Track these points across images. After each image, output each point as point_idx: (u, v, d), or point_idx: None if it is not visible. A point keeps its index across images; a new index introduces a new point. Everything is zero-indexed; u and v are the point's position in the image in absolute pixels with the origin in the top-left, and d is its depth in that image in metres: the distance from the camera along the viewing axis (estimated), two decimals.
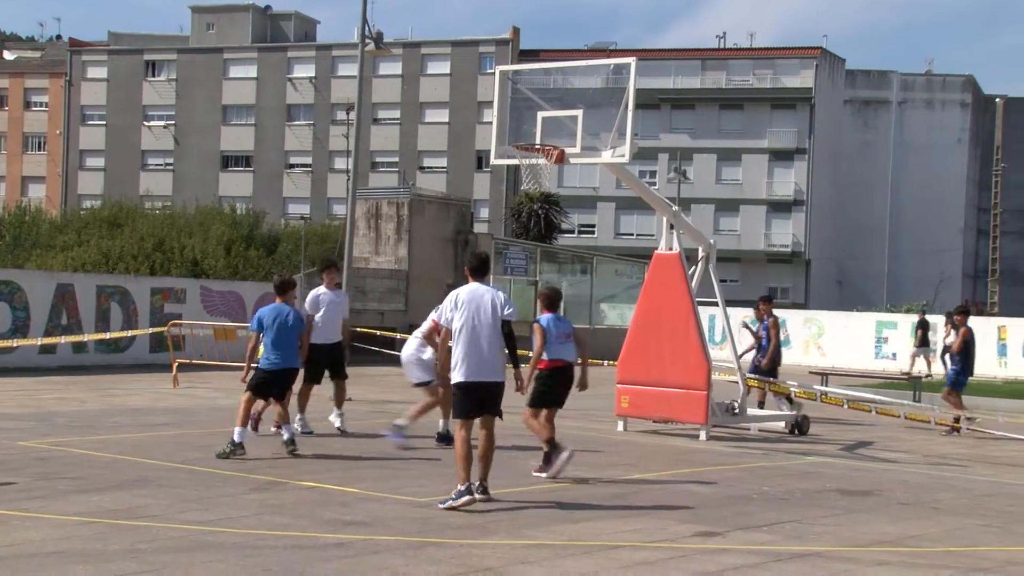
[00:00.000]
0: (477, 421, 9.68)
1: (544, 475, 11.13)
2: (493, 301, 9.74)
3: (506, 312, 9.76)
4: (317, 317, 13.93)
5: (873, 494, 11.13)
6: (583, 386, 11.42)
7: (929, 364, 31.76)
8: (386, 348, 23.47)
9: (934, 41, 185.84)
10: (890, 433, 17.02)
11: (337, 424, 14.23)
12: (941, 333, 33.31)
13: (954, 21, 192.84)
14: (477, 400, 9.63)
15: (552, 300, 11.77)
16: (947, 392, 17.94)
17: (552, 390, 11.37)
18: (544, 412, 11.39)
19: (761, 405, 17.74)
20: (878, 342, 37.92)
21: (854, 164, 79.53)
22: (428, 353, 12.98)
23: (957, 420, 17.08)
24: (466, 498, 9.25)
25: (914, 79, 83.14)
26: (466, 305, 9.71)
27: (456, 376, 9.63)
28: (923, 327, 33.19)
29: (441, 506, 9.23)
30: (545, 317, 11.42)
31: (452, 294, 9.94)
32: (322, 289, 14.27)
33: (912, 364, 32.24)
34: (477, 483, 9.56)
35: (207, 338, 22.17)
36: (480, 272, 10.08)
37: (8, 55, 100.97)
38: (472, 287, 9.88)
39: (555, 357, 11.28)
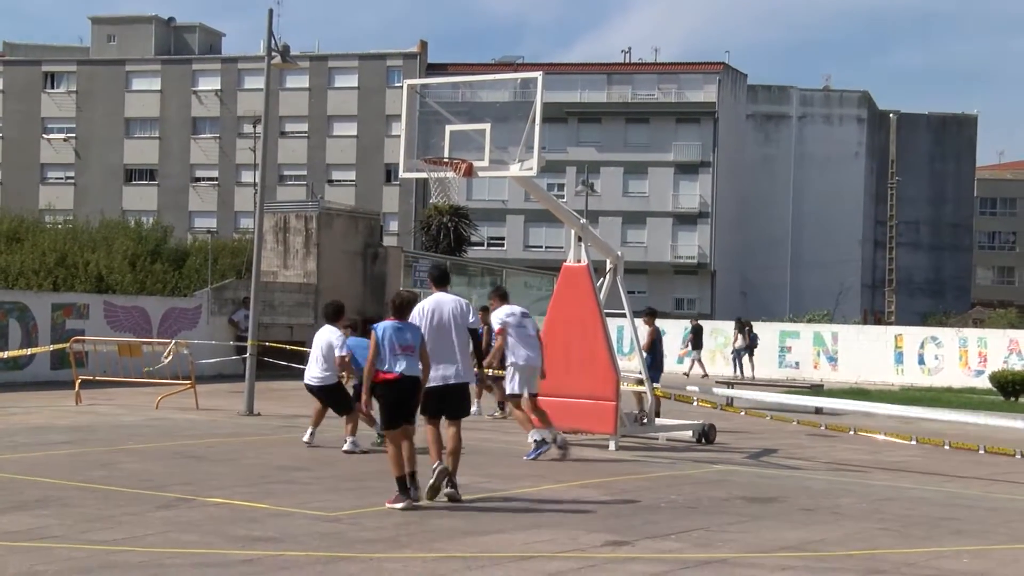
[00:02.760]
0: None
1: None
2: (454, 310, 10.68)
3: (470, 320, 10.76)
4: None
5: (778, 500, 11.30)
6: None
7: (702, 365, 36.01)
8: (294, 363, 23.22)
9: (831, 58, 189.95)
10: (794, 440, 17.30)
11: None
12: (726, 338, 38.45)
13: (850, 39, 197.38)
14: (443, 402, 10.55)
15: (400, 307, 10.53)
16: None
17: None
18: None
19: (657, 414, 17.98)
20: (781, 351, 38.51)
21: (757, 177, 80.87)
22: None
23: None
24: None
25: (813, 94, 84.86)
26: (430, 314, 10.57)
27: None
28: (696, 332, 36.40)
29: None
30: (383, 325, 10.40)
31: (419, 305, 10.68)
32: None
33: (691, 367, 36.08)
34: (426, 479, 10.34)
35: (111, 354, 21.73)
36: (441, 282, 11.05)
37: None
38: (437, 296, 10.83)
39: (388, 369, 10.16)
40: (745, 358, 36.46)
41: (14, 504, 9.74)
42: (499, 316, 14.30)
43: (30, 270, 31.34)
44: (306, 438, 14.27)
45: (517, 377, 14.03)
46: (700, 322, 38.41)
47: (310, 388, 14.25)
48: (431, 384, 10.38)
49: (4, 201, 77.23)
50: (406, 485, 10.03)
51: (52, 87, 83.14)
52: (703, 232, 75.70)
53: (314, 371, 14.07)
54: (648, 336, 19.20)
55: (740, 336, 36.64)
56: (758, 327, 41.38)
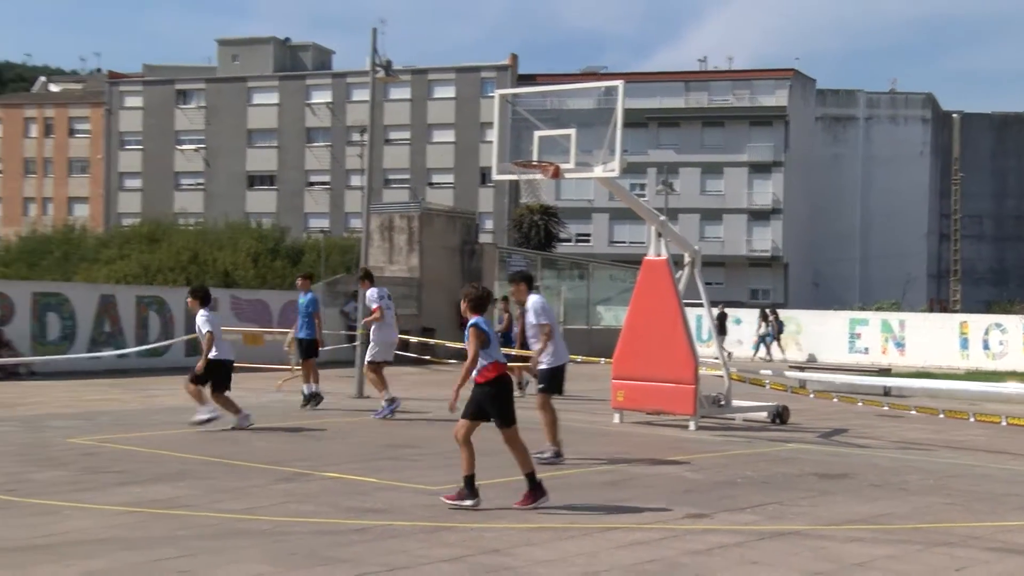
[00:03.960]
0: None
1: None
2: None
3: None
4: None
5: (847, 477, 11.12)
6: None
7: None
8: (399, 350, 23.41)
9: (897, 62, 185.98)
10: (864, 421, 17.01)
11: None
12: (798, 325, 39.02)
13: (914, 44, 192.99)
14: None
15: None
16: None
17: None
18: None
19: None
20: (851, 338, 37.91)
21: (826, 175, 79.54)
22: None
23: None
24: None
25: (879, 97, 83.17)
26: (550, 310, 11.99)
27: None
28: (720, 319, 36.26)
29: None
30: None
31: (543, 301, 11.87)
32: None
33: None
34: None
35: (237, 342, 22.15)
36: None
37: (54, 88, 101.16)
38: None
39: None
40: (773, 344, 37.47)
41: (157, 476, 9.97)
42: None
43: (167, 267, 32.15)
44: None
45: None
46: (725, 310, 38.56)
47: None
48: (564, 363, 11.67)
49: (144, 206, 79.26)
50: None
51: (184, 103, 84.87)
52: (776, 227, 74.66)
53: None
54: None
55: (764, 323, 37.80)
56: (828, 315, 41.12)
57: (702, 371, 15.53)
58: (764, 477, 10.95)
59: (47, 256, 38.58)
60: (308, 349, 16.89)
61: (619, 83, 14.92)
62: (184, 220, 57.38)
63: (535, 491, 8.77)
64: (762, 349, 37.80)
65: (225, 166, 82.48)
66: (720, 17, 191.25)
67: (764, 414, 16.53)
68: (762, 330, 37.93)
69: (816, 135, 79.71)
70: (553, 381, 11.73)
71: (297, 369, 19.45)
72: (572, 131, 14.60)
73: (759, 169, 74.87)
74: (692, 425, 15.08)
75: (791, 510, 9.15)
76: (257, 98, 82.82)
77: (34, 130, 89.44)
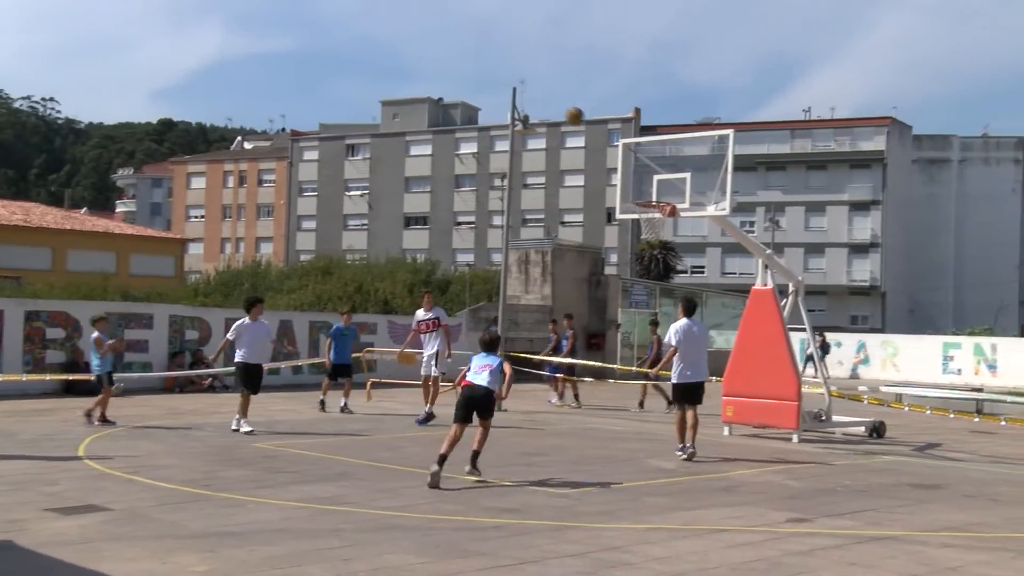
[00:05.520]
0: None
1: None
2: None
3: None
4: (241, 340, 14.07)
5: (941, 488, 10.66)
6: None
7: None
8: (533, 369, 23.44)
9: (990, 108, 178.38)
10: (957, 436, 16.28)
11: (245, 429, 13.87)
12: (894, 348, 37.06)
13: (1007, 91, 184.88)
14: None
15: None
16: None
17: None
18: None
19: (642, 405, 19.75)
20: (944, 360, 36.36)
21: (922, 212, 76.74)
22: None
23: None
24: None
25: (972, 141, 79.94)
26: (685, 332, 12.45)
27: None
28: (823, 345, 34.88)
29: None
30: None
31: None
32: (246, 320, 14.18)
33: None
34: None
35: (392, 362, 22.54)
36: (690, 311, 12.61)
37: (247, 145, 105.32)
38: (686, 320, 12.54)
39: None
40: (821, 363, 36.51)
41: (322, 476, 10.18)
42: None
43: (336, 296, 32.88)
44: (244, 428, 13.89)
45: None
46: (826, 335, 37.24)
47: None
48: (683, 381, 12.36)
49: (318, 244, 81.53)
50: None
51: (352, 156, 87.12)
52: (874, 259, 72.32)
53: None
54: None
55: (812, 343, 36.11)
56: (923, 339, 39.55)
57: (804, 389, 15.12)
58: (862, 486, 10.57)
59: (239, 287, 39.91)
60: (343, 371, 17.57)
61: (730, 132, 14.74)
62: (351, 256, 58.77)
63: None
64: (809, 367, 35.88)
65: (386, 209, 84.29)
66: (825, 72, 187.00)
67: (862, 428, 15.98)
68: (809, 349, 36.29)
69: (912, 176, 77.02)
70: (674, 393, 12.67)
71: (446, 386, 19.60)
72: (687, 175, 14.51)
73: (859, 207, 72.71)
74: (795, 438, 14.68)
75: (888, 517, 8.81)
76: (414, 150, 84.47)
77: (231, 181, 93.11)
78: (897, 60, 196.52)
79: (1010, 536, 8.13)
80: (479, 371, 10.32)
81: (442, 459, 9.80)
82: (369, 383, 20.72)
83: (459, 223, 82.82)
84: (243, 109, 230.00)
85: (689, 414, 12.28)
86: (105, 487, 9.22)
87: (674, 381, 12.43)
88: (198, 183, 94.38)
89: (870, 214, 72.34)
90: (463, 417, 10.20)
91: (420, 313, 16.09)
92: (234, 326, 14.25)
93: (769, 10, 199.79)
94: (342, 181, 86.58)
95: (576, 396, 20.50)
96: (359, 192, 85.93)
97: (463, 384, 10.41)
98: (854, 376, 36.57)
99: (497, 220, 76.73)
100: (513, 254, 31.78)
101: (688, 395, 12.36)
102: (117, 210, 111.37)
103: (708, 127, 65.38)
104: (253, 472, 10.37)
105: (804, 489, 10.29)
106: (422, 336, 16.03)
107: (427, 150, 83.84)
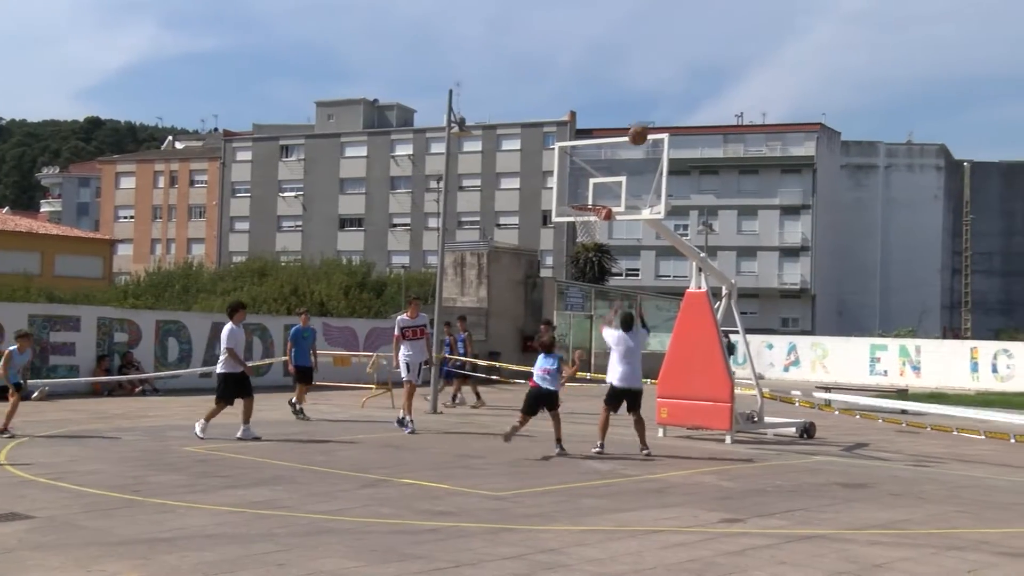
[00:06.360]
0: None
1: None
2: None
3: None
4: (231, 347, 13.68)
5: (868, 487, 10.89)
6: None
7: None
8: (468, 371, 23.43)
9: (914, 116, 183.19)
10: (883, 436, 16.66)
11: (237, 434, 13.52)
12: (823, 350, 34.52)
13: (930, 100, 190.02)
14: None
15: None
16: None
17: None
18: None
19: (454, 398, 20.47)
20: (872, 362, 37.20)
21: (850, 216, 78.44)
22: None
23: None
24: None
25: (897, 147, 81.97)
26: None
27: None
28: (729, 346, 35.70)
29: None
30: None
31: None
32: (232, 326, 13.88)
33: None
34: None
35: (328, 364, 22.35)
36: (626, 325, 13.19)
37: (179, 145, 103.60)
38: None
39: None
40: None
41: (257, 480, 10.07)
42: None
43: (271, 298, 32.50)
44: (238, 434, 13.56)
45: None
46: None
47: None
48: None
49: (251, 246, 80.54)
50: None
51: (287, 157, 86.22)
52: (804, 263, 73.73)
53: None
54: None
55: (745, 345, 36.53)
56: (851, 341, 40.35)
57: (737, 391, 15.35)
58: (792, 486, 10.76)
59: (169, 289, 39.21)
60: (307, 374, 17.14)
61: (665, 136, 14.90)
62: (285, 258, 58.15)
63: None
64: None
65: (320, 210, 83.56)
66: (756, 78, 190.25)
67: (793, 429, 16.26)
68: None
69: (841, 181, 78.68)
70: (608, 395, 13.22)
71: (379, 390, 19.61)
72: (623, 178, 14.61)
73: (789, 211, 74.06)
74: (728, 439, 14.88)
75: (817, 516, 8.98)
76: (348, 151, 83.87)
77: (161, 181, 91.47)
78: (825, 67, 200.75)
79: (933, 532, 8.34)
80: (542, 376, 12.40)
81: (514, 429, 12.37)
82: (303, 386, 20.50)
83: (394, 225, 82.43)
84: (174, 108, 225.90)
85: (634, 416, 13.05)
86: (28, 494, 8.99)
87: (610, 380, 13.16)
88: (127, 183, 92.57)
89: (800, 218, 73.73)
90: (530, 411, 12.47)
91: (406, 319, 15.17)
92: (228, 333, 13.63)
93: (702, 16, 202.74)
94: (276, 182, 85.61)
95: (478, 396, 20.49)
96: (293, 193, 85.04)
97: (531, 384, 12.56)
98: (783, 377, 37.21)
99: (433, 222, 76.56)
100: (449, 256, 31.74)
101: (619, 400, 13.09)
102: (42, 210, 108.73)
103: None
104: (185, 477, 10.20)
105: (737, 490, 10.44)
106: (406, 343, 15.16)
107: (362, 151, 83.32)
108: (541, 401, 12.43)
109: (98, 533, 7.42)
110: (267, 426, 15.51)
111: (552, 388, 12.35)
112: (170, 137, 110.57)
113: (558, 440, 12.52)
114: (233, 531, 7.59)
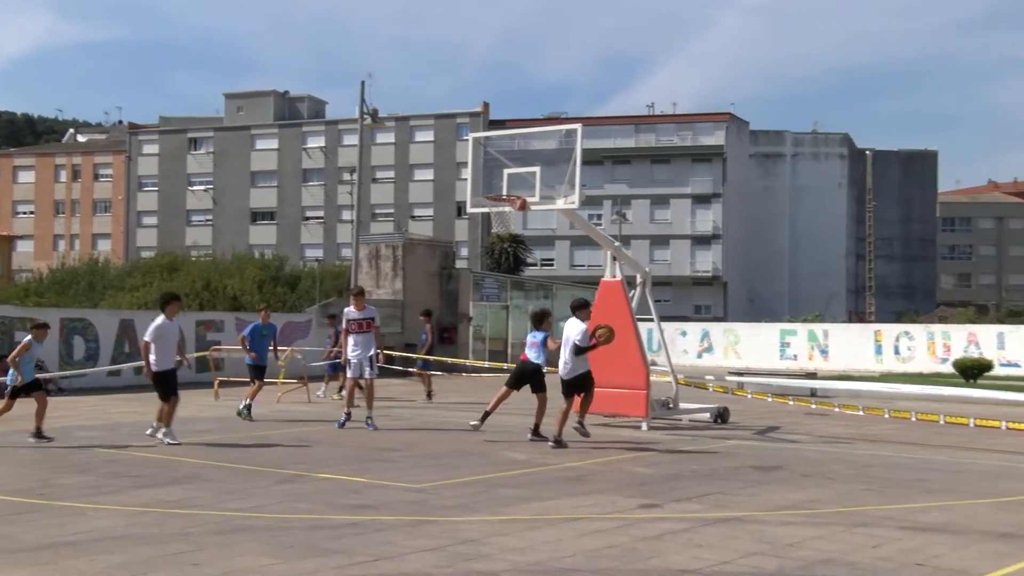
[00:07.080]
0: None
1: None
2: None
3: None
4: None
5: (780, 468, 11.14)
6: None
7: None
8: (386, 364, 23.30)
9: (818, 106, 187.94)
10: (794, 419, 17.07)
11: (159, 437, 12.80)
12: (735, 336, 35.37)
13: (834, 90, 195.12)
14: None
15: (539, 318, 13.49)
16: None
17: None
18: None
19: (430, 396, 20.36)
20: (782, 346, 38.09)
21: (759, 205, 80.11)
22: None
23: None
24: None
25: (803, 136, 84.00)
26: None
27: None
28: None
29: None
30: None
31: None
32: (162, 319, 13.13)
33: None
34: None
35: (241, 360, 21.96)
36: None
37: (81, 138, 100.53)
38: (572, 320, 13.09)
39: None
40: None
41: (170, 479, 9.85)
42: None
43: (183, 294, 31.82)
44: (159, 436, 12.77)
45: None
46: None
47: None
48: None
49: (159, 241, 78.76)
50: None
51: (195, 150, 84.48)
52: (716, 251, 75.09)
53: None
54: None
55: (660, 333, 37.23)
56: (762, 327, 41.17)
57: (653, 378, 15.54)
58: (708, 470, 10.95)
59: (75, 286, 38.13)
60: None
61: (578, 126, 14.99)
62: (195, 253, 56.99)
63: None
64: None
65: (231, 204, 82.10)
66: (666, 68, 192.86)
67: (707, 415, 16.55)
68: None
69: (750, 170, 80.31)
70: (563, 387, 13.14)
71: (294, 385, 19.39)
72: (537, 169, 14.64)
73: (701, 200, 75.31)
74: (644, 426, 15.07)
75: (732, 499, 9.14)
76: (259, 144, 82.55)
77: (63, 175, 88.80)
78: (733, 57, 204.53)
79: (842, 511, 8.57)
80: (529, 347, 12.60)
81: (485, 415, 12.37)
82: (217, 382, 20.17)
83: (307, 218, 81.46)
84: (75, 100, 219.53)
85: (575, 399, 12.89)
86: None
87: (561, 376, 13.07)
88: (26, 177, 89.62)
89: (712, 207, 75.06)
90: (514, 384, 12.71)
91: (351, 312, 14.58)
92: (154, 327, 12.85)
93: (613, 7, 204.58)
94: (184, 176, 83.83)
95: (429, 393, 20.49)
96: (203, 187, 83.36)
97: (522, 358, 12.80)
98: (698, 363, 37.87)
99: (346, 215, 75.83)
100: (363, 249, 31.48)
101: (573, 387, 12.96)
102: None
103: (556, 121, 66.34)
104: (93, 478, 9.91)
105: (653, 475, 10.57)
106: (352, 336, 14.55)
107: (273, 144, 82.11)
108: (526, 378, 12.72)
109: None
110: (179, 423, 15.15)
111: (539, 362, 12.70)
112: (71, 130, 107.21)
113: (536, 427, 12.71)
114: (145, 532, 7.40)
